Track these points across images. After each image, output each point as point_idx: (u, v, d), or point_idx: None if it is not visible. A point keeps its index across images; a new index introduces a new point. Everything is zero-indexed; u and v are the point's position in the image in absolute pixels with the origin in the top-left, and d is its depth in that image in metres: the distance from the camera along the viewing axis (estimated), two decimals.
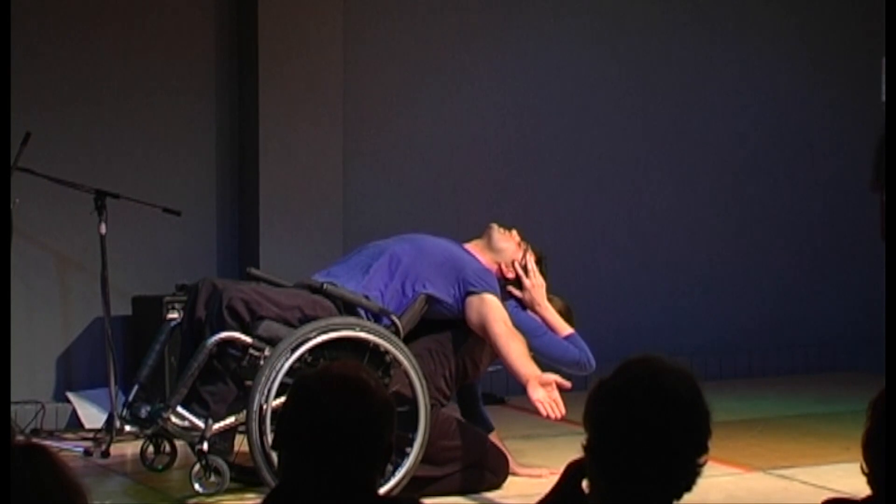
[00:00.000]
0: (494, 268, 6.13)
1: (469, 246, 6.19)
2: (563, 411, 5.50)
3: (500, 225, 6.28)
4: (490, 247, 6.20)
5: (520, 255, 6.21)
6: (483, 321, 5.83)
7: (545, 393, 5.58)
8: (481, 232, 6.28)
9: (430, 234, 6.34)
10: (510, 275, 6.18)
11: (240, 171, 7.74)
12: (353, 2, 7.90)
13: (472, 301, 5.90)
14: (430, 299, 5.94)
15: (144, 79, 7.52)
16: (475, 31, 8.25)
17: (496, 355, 5.90)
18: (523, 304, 6.19)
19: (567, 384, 5.61)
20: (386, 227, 7.75)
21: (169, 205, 7.01)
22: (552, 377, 5.62)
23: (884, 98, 8.60)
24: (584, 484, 2.75)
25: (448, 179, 8.19)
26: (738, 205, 8.93)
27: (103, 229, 6.65)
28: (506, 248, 6.21)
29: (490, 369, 6.87)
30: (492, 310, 5.86)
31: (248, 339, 5.56)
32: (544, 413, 5.56)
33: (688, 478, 2.61)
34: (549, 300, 6.24)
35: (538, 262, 6.25)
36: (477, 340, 5.96)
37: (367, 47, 7.99)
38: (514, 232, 6.28)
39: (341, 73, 7.82)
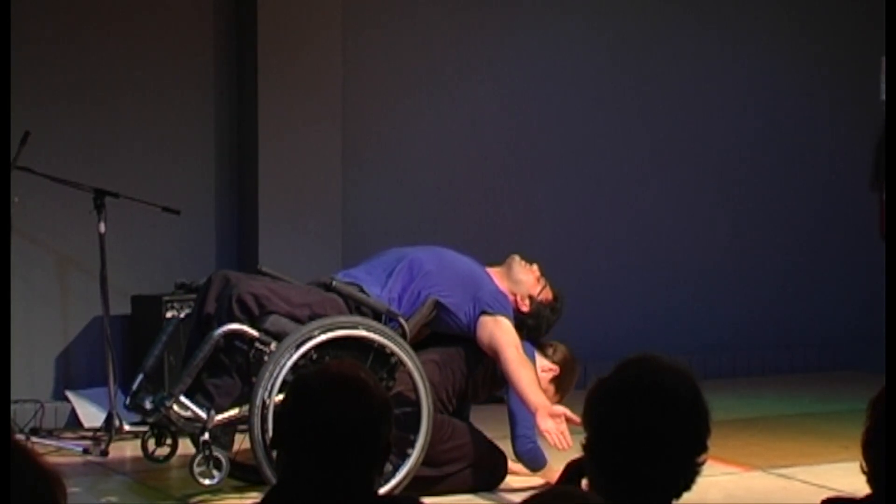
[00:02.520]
0: (511, 298, 6.11)
1: (489, 270, 6.18)
2: (571, 443, 5.49)
3: (523, 257, 6.26)
4: (509, 276, 6.17)
5: (537, 289, 6.18)
6: (495, 343, 5.82)
7: (554, 424, 5.56)
8: (503, 259, 6.25)
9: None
10: (524, 308, 6.13)
11: (239, 171, 7.74)
12: (352, 2, 7.90)
13: (486, 321, 5.89)
14: (440, 306, 5.93)
15: (144, 78, 7.52)
16: (474, 32, 8.25)
17: (504, 380, 5.90)
18: (532, 342, 6.16)
19: (576, 419, 5.59)
20: (385, 227, 7.77)
21: (168, 204, 7.01)
22: (562, 409, 5.60)
23: (883, 97, 8.60)
24: (584, 483, 2.75)
25: (447, 178, 8.19)
26: (737, 204, 8.94)
27: (102, 228, 6.65)
28: (525, 280, 6.17)
29: None
30: (505, 333, 5.85)
31: (255, 333, 5.56)
32: (552, 443, 5.55)
33: (687, 477, 2.61)
34: (554, 346, 6.19)
35: (554, 300, 6.22)
36: (485, 366, 5.95)
37: (367, 47, 7.99)
38: (536, 266, 6.24)
39: (340, 73, 7.81)
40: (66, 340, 7.37)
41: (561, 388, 6.15)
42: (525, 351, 5.90)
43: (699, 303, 8.79)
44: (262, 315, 5.60)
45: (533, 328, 6.15)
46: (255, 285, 5.70)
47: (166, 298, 6.89)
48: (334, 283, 5.83)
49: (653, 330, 8.47)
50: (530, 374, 5.74)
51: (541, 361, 6.12)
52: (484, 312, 5.89)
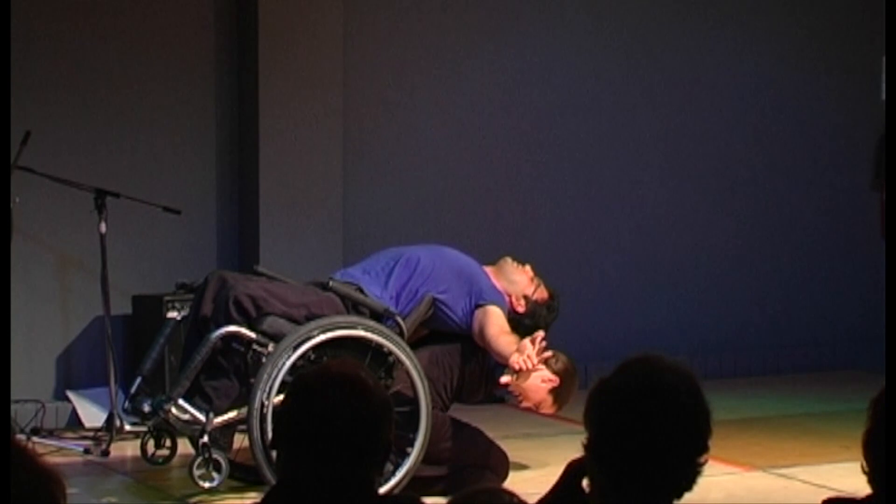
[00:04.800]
0: (506, 299, 6.10)
1: (485, 268, 6.18)
2: (534, 361, 5.54)
3: (514, 259, 6.25)
4: (503, 277, 6.17)
5: (531, 289, 6.18)
6: (481, 327, 5.83)
7: (518, 354, 5.57)
8: (494, 259, 6.25)
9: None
10: (520, 308, 6.13)
11: (240, 170, 7.74)
12: (352, 1, 7.89)
13: (478, 313, 5.91)
14: (437, 303, 5.93)
15: (145, 78, 7.52)
16: (476, 32, 8.25)
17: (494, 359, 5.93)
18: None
19: (539, 334, 5.63)
20: (386, 227, 7.77)
21: (169, 203, 7.00)
22: (526, 341, 5.63)
23: (884, 97, 8.60)
24: (585, 483, 2.75)
25: (448, 178, 8.18)
26: (737, 204, 8.93)
27: (103, 228, 6.65)
28: (518, 280, 6.18)
29: None
30: (492, 317, 5.86)
31: (252, 335, 5.56)
32: (517, 366, 5.56)
33: (688, 477, 2.61)
34: (556, 356, 6.17)
35: (551, 298, 6.22)
36: (481, 363, 5.96)
37: (367, 46, 7.98)
38: (528, 267, 6.24)
39: (341, 72, 7.81)
40: (66, 340, 7.37)
41: (559, 398, 6.12)
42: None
43: (700, 303, 8.79)
44: (259, 317, 5.60)
45: (530, 328, 6.13)
46: (251, 286, 5.69)
47: (167, 298, 6.88)
48: (331, 283, 5.83)
49: (654, 330, 8.47)
50: (509, 337, 5.72)
51: (542, 373, 6.09)
52: (478, 306, 5.90)
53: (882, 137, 7.76)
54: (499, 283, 6.12)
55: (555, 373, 6.11)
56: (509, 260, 6.24)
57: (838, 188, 9.12)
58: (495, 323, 5.84)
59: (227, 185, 7.74)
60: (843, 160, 9.09)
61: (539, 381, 6.07)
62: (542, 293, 6.21)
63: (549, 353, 6.03)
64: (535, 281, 6.22)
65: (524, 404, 6.21)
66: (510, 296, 6.13)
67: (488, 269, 6.18)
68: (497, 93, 8.31)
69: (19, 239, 6.91)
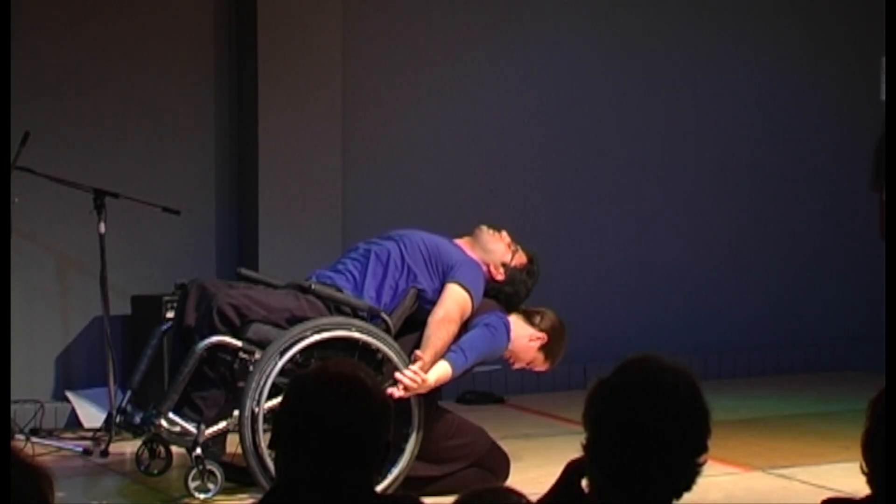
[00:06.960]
0: (484, 269, 6.06)
1: (459, 241, 6.13)
2: (400, 393, 5.52)
3: (490, 226, 6.20)
4: (479, 247, 6.12)
5: (509, 255, 6.13)
6: (435, 307, 5.80)
7: (409, 371, 5.57)
8: (470, 230, 6.21)
9: (430, 233, 6.29)
10: (499, 277, 6.07)
11: (239, 171, 7.74)
12: (352, 2, 7.89)
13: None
14: (420, 294, 5.91)
15: (144, 78, 7.52)
16: (475, 33, 8.25)
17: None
18: (510, 309, 6.13)
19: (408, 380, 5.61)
20: (386, 226, 7.74)
21: (168, 204, 7.01)
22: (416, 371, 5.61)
23: (883, 98, 8.60)
24: (584, 483, 2.75)
25: (448, 178, 8.18)
26: (737, 205, 8.93)
27: (102, 228, 6.66)
28: (495, 249, 6.09)
29: (486, 369, 6.81)
30: (446, 298, 5.79)
31: (238, 343, 5.55)
32: (402, 382, 5.55)
33: (687, 477, 2.61)
34: (542, 314, 6.16)
35: (530, 262, 6.17)
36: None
37: (367, 46, 7.98)
38: (504, 233, 6.17)
39: (341, 72, 7.81)
40: (66, 341, 7.37)
41: (551, 354, 6.09)
42: (493, 324, 5.87)
43: (699, 303, 8.79)
44: (244, 325, 5.59)
45: (512, 295, 6.08)
46: (233, 294, 5.67)
47: (166, 299, 6.88)
48: (313, 286, 5.79)
49: (653, 330, 8.47)
50: (442, 336, 5.68)
51: (528, 330, 6.06)
52: (443, 284, 5.86)
53: (882, 138, 7.75)
54: (475, 254, 6.03)
55: (542, 331, 6.07)
56: (484, 228, 6.16)
57: (838, 188, 9.12)
58: (444, 303, 5.76)
59: (227, 185, 7.74)
60: (843, 160, 9.09)
61: (527, 341, 6.04)
62: (520, 258, 6.13)
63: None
64: (513, 246, 6.13)
65: (516, 365, 6.17)
66: (488, 265, 6.05)
67: (463, 241, 6.10)
68: (497, 92, 8.31)
69: (19, 239, 6.92)
